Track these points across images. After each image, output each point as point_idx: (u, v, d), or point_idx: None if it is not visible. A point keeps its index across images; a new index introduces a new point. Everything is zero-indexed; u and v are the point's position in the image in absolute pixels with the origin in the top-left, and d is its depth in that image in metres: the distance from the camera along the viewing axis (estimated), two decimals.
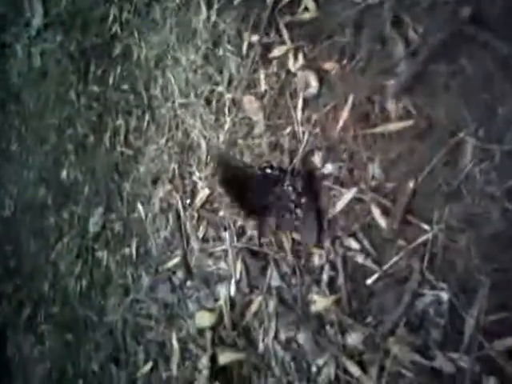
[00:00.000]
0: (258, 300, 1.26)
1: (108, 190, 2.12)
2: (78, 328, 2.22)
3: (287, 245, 1.20)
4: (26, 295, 2.85)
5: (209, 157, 1.49)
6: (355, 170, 1.06)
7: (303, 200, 1.13)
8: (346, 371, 1.04)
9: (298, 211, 1.13)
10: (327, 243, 1.11)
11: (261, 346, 1.24)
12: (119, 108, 2.10)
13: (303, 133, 1.18)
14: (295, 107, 1.20)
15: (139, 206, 1.82)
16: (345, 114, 1.09)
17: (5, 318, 3.10)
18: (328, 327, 1.09)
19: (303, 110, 1.19)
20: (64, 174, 2.57)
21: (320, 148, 1.14)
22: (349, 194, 1.06)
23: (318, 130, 1.15)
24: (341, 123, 1.09)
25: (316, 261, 1.13)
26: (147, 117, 1.86)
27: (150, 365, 1.63)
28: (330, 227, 1.11)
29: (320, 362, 1.09)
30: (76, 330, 2.23)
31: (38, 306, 2.67)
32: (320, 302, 1.11)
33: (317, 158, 1.15)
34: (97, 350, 2.04)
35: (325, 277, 1.11)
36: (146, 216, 1.77)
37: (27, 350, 2.73)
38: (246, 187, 1.23)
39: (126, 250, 1.89)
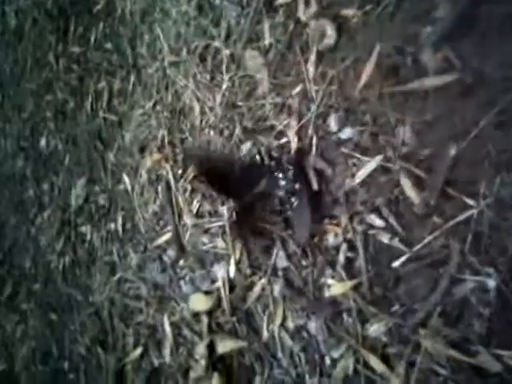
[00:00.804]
0: (261, 283, 1.10)
1: (90, 159, 1.91)
2: (62, 307, 2.04)
3: None
4: (7, 271, 2.65)
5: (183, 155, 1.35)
6: (380, 134, 0.88)
7: (296, 187, 0.99)
8: (366, 365, 0.88)
9: (292, 200, 0.99)
10: (344, 219, 0.93)
11: (265, 334, 1.08)
12: (102, 69, 1.88)
13: (316, 92, 0.99)
14: (307, 62, 1.01)
15: (125, 178, 1.62)
16: (368, 69, 0.90)
17: None
18: (345, 315, 0.93)
19: (316, 65, 1.00)
20: (43, 142, 2.34)
21: (337, 109, 0.96)
22: (372, 163, 0.89)
23: (334, 88, 0.96)
24: (363, 80, 0.91)
25: (330, 240, 0.96)
26: (132, 78, 1.65)
27: (139, 350, 1.47)
28: (347, 201, 0.93)
29: (335, 354, 0.94)
30: (60, 310, 2.06)
31: (20, 283, 2.48)
32: (335, 287, 0.94)
33: (332, 121, 0.97)
34: (82, 332, 1.88)
35: (341, 258, 0.94)
36: (133, 188, 1.58)
37: (10, 329, 2.55)
38: (228, 181, 1.11)
39: (112, 225, 1.70)
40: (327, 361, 0.97)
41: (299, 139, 1.03)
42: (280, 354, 1.06)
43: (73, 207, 1.99)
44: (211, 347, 1.20)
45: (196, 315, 1.29)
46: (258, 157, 1.09)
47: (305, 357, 1.01)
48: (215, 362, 1.20)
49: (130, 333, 1.56)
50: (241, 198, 1.12)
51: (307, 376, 1.00)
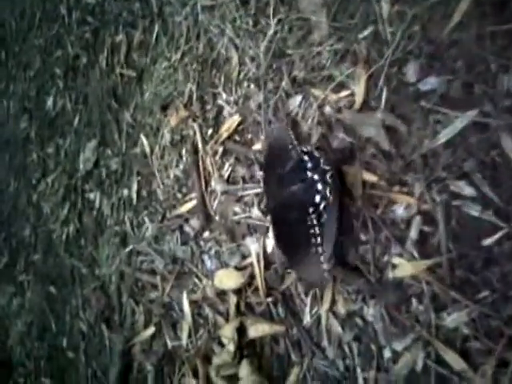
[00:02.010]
0: None
1: (103, 120, 1.75)
2: (64, 280, 1.89)
3: (356, 188, 0.86)
4: (4, 240, 2.49)
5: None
6: (476, 84, 0.71)
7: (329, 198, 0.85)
8: (440, 361, 0.72)
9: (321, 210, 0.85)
10: (420, 187, 0.77)
11: (307, 319, 0.93)
12: (120, 21, 1.70)
13: (392, 34, 0.82)
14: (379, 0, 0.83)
15: (143, 139, 1.45)
16: (464, 5, 0.73)
17: None
18: (414, 301, 0.77)
19: (392, 2, 0.82)
20: (50, 102, 2.17)
21: (418, 55, 0.79)
22: (463, 119, 0.72)
23: (415, 29, 0.79)
24: (456, 18, 0.73)
25: (399, 211, 0.81)
26: (156, 28, 1.48)
27: (151, 330, 1.32)
28: (426, 165, 0.77)
29: (398, 346, 0.79)
30: (61, 282, 1.91)
31: (18, 252, 2.33)
32: (403, 267, 0.79)
33: (410, 70, 0.80)
34: (85, 307, 1.73)
35: (413, 233, 0.78)
36: (152, 151, 1.41)
37: (5, 301, 2.40)
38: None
39: (124, 192, 1.54)
40: (387, 353, 0.82)
41: (366, 91, 0.86)
42: (325, 343, 0.91)
43: (80, 172, 1.83)
44: (240, 331, 1.03)
45: (222, 294, 1.13)
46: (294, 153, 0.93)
47: (357, 347, 0.86)
48: (243, 347, 1.04)
49: (140, 311, 1.41)
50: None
51: (359, 369, 0.85)
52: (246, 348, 1.05)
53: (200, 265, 1.22)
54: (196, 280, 1.22)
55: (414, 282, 0.80)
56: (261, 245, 1.05)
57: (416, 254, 0.80)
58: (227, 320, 1.11)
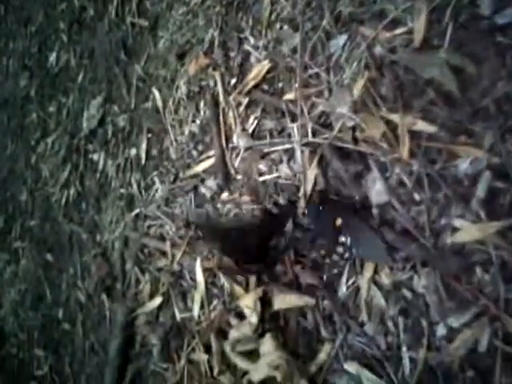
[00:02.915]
0: (339, 221, 0.80)
1: (110, 75, 1.61)
2: (61, 247, 1.77)
3: (404, 140, 0.73)
4: None
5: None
6: None
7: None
8: (509, 340, 0.60)
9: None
10: (490, 138, 0.65)
11: (342, 291, 0.81)
12: None
13: None
14: None
15: (155, 92, 1.32)
16: None
17: None
18: (479, 270, 0.65)
19: None
20: (52, 58, 2.03)
21: None
22: None
23: None
24: None
25: (464, 165, 0.68)
26: None
27: (158, 300, 1.20)
28: (499, 112, 0.64)
29: (455, 322, 0.67)
30: (58, 249, 1.79)
31: (14, 218, 2.20)
32: (466, 231, 0.67)
33: (486, 0, 0.66)
34: (84, 276, 1.61)
35: (481, 191, 0.66)
36: (165, 105, 1.28)
37: None
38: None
39: (132, 152, 1.41)
40: (441, 330, 0.70)
41: (427, 28, 0.72)
42: (364, 317, 0.79)
43: (83, 131, 1.70)
44: (263, 302, 0.91)
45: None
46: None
47: (404, 323, 0.74)
48: (266, 321, 0.92)
49: (146, 279, 1.30)
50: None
51: (404, 348, 0.73)
52: (269, 321, 0.93)
53: None
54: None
55: (479, 247, 0.68)
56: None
57: (483, 215, 0.68)
58: (246, 290, 0.99)
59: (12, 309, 2.15)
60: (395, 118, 0.79)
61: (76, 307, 1.65)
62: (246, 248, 0.99)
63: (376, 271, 0.79)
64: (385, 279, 0.78)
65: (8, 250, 2.26)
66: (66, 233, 1.77)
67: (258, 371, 0.88)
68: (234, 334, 0.97)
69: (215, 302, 1.09)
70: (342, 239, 0.83)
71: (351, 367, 0.81)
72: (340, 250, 0.84)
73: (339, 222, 0.83)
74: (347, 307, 0.84)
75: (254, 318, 0.90)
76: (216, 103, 1.12)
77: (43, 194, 1.99)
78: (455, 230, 0.71)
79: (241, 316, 1.00)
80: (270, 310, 0.93)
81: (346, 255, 0.83)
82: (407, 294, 0.76)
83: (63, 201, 1.81)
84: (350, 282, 0.83)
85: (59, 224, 1.83)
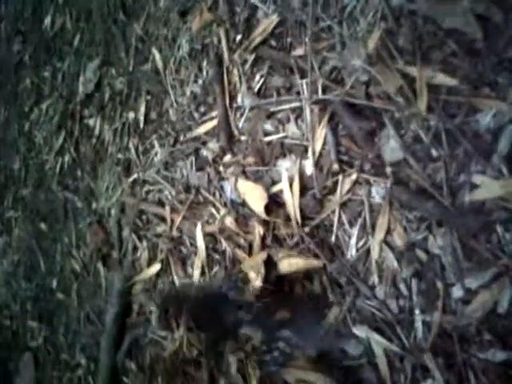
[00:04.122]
0: (350, 180, 0.77)
1: (108, 37, 1.55)
2: (55, 216, 1.73)
3: (422, 94, 0.69)
4: None
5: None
6: None
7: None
8: None
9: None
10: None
11: (352, 253, 0.78)
12: None
13: None
14: None
15: (155, 53, 1.27)
16: None
17: None
18: (499, 228, 0.62)
19: None
20: (47, 21, 1.96)
21: None
22: None
23: None
24: None
25: (485, 119, 0.65)
26: None
27: (156, 267, 1.17)
28: None
29: (473, 283, 0.65)
30: (52, 218, 1.74)
31: (6, 188, 2.15)
32: (487, 187, 0.64)
33: None
34: (79, 245, 1.57)
35: (503, 145, 0.63)
36: (165, 66, 1.23)
37: None
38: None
39: (130, 116, 1.36)
40: (457, 292, 0.68)
41: None
42: (374, 280, 0.76)
43: (79, 96, 1.65)
44: (266, 266, 0.88)
45: (243, 224, 0.97)
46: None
47: (417, 285, 0.71)
48: (270, 284, 0.89)
49: (143, 246, 1.26)
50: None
51: (417, 311, 0.70)
52: (273, 286, 0.90)
53: (218, 193, 1.06)
54: (213, 210, 1.06)
55: (501, 204, 0.64)
56: (297, 167, 0.88)
57: (505, 171, 0.64)
58: (250, 255, 0.95)
59: (4, 280, 2.12)
60: (413, 71, 0.75)
61: (71, 277, 1.61)
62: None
63: (388, 232, 0.76)
64: (397, 240, 0.75)
65: (0, 220, 2.20)
66: (60, 201, 1.73)
67: None
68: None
69: (216, 267, 1.05)
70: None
71: (360, 331, 0.78)
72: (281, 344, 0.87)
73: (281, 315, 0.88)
74: (356, 270, 0.80)
75: (258, 282, 0.86)
76: (220, 61, 1.07)
77: (37, 161, 1.93)
78: (474, 186, 0.67)
79: (243, 281, 0.96)
80: (274, 274, 0.89)
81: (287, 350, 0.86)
82: (421, 255, 0.72)
83: (57, 168, 1.76)
84: (360, 244, 0.80)
85: (53, 192, 1.78)
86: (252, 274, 0.88)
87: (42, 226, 1.85)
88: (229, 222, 1.03)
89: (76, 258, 1.59)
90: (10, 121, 2.25)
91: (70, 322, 1.62)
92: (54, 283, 1.73)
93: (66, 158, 1.71)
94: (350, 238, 0.81)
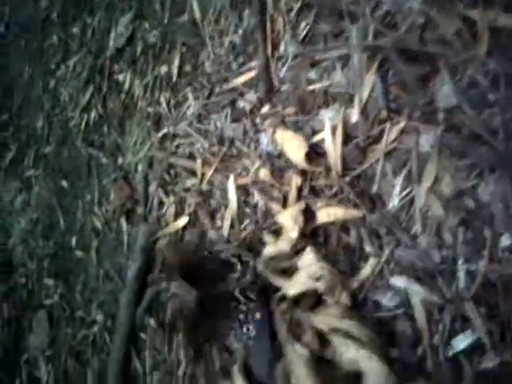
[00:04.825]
0: (397, 128, 0.77)
1: None
2: (78, 173, 1.75)
3: (482, 38, 0.68)
4: (12, 134, 2.33)
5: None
6: None
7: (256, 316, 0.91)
8: None
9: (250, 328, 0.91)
10: None
11: (394, 202, 0.78)
12: None
13: None
14: None
15: (193, 3, 1.26)
16: None
17: None
18: None
19: None
20: None
21: None
22: None
23: None
24: None
25: None
26: None
27: (184, 220, 1.17)
28: None
29: None
30: (75, 176, 1.77)
31: (27, 146, 2.19)
32: None
33: None
34: (101, 202, 1.59)
35: None
36: (204, 16, 1.22)
37: (9, 198, 2.27)
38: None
39: (163, 69, 1.37)
40: (505, 241, 0.68)
41: None
42: (417, 230, 0.76)
43: (110, 51, 1.66)
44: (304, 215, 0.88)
45: (279, 177, 0.97)
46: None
47: (463, 234, 0.70)
48: (304, 237, 0.89)
49: (170, 201, 1.27)
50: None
51: (461, 260, 0.70)
52: (308, 238, 0.90)
53: (253, 145, 1.06)
54: (247, 162, 1.07)
55: None
56: (341, 116, 0.88)
57: None
58: (284, 206, 0.96)
59: (21, 238, 2.15)
60: (474, 13, 0.73)
61: (91, 234, 1.64)
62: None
63: (436, 180, 0.75)
64: (445, 189, 0.75)
65: (20, 178, 2.24)
66: (84, 158, 1.75)
67: (295, 285, 0.86)
68: (269, 250, 0.94)
69: (247, 221, 1.06)
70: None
71: (398, 282, 0.78)
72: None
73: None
74: (398, 220, 0.80)
75: (294, 233, 0.87)
76: (263, 10, 1.06)
77: (61, 119, 1.96)
78: None
79: (277, 233, 0.97)
80: (309, 225, 0.89)
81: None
82: (470, 203, 0.72)
83: (83, 125, 1.78)
84: (404, 194, 0.80)
85: (77, 149, 1.80)
86: (288, 225, 0.88)
87: (64, 183, 1.87)
88: (263, 174, 1.03)
89: (98, 215, 1.61)
90: (34, 78, 2.27)
91: (87, 280, 1.65)
92: (74, 241, 1.75)
93: (93, 114, 1.72)
94: (393, 187, 0.81)
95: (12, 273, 2.19)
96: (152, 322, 1.29)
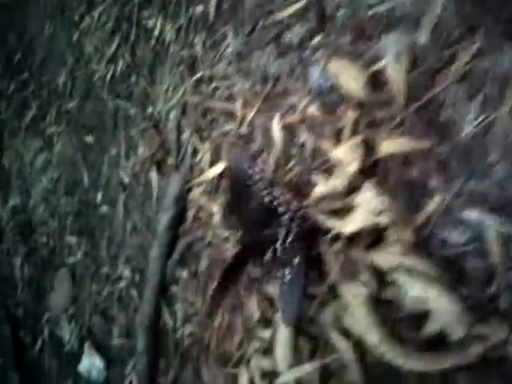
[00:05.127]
0: (472, 49, 0.70)
1: None
2: (104, 127, 1.69)
3: None
4: (32, 92, 2.28)
5: None
6: None
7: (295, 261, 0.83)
8: None
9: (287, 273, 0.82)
10: None
11: (467, 130, 0.70)
12: None
13: None
14: None
15: None
16: None
17: (1, 123, 2.55)
18: None
19: None
20: None
21: None
22: None
23: None
24: None
25: None
26: None
27: (221, 166, 1.11)
28: None
29: None
30: (100, 130, 1.71)
31: (48, 104, 2.12)
32: None
33: None
34: (129, 154, 1.53)
35: None
36: None
37: (30, 157, 2.23)
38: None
39: (197, 9, 1.30)
40: None
41: None
42: (494, 158, 0.68)
43: None
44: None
45: (331, 112, 0.90)
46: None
47: None
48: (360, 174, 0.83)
49: (205, 148, 1.20)
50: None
51: None
52: (364, 174, 0.83)
53: (302, 80, 0.99)
54: (294, 100, 1.00)
55: None
56: (406, 40, 0.80)
57: None
58: (337, 142, 0.89)
59: (42, 198, 2.11)
60: None
61: (118, 188, 1.59)
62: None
63: None
64: None
65: (41, 136, 2.20)
66: (109, 111, 1.69)
67: (353, 222, 0.80)
68: (320, 189, 0.88)
69: (292, 162, 0.99)
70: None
71: (470, 215, 0.71)
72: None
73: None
74: (471, 149, 0.73)
75: (352, 167, 0.80)
76: None
77: (85, 72, 1.90)
78: None
79: (328, 172, 0.90)
80: (367, 160, 0.83)
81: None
82: None
83: (108, 76, 1.72)
84: (479, 120, 0.72)
85: (102, 102, 1.75)
86: (346, 159, 0.82)
87: (88, 138, 1.82)
88: (313, 110, 0.97)
89: (125, 168, 1.56)
90: (56, 33, 2.21)
91: (113, 235, 1.60)
92: (99, 197, 1.71)
93: (120, 64, 1.66)
94: (466, 114, 0.74)
95: (32, 233, 2.16)
96: (184, 273, 1.24)
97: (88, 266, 1.73)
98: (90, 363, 1.60)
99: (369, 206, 0.78)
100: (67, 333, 1.83)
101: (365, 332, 0.75)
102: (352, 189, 0.85)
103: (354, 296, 0.77)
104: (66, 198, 1.95)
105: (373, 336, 0.73)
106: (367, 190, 0.80)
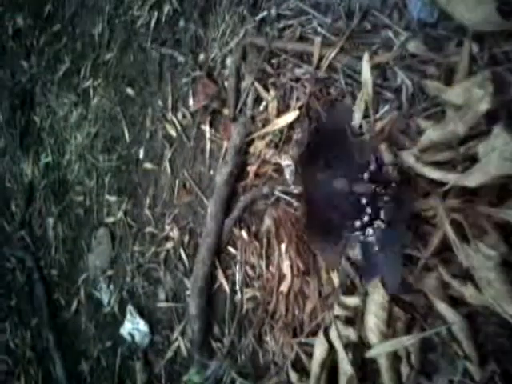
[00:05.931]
0: None
1: None
2: (146, 78, 1.56)
3: None
4: (65, 45, 2.13)
5: None
6: None
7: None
8: None
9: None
10: None
11: None
12: None
13: None
14: None
15: None
16: None
17: (32, 78, 2.41)
18: None
19: None
20: None
21: None
22: None
23: None
24: None
25: None
26: None
27: (292, 115, 0.99)
28: None
29: None
30: (142, 82, 1.58)
31: (82, 57, 1.98)
32: None
33: None
34: (177, 106, 1.40)
35: None
36: None
37: (63, 113, 2.10)
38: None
39: None
40: None
41: None
42: None
43: None
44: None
45: (437, 49, 0.75)
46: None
47: None
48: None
49: (271, 96, 1.06)
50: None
51: None
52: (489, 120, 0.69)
53: (397, 14, 0.83)
54: (388, 35, 0.84)
55: None
56: None
57: None
58: (448, 84, 0.73)
59: (78, 155, 1.99)
60: None
61: (163, 143, 1.46)
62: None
63: None
64: None
65: (75, 91, 2.06)
66: (154, 60, 1.55)
67: (480, 173, 0.65)
68: (429, 137, 0.73)
69: (385, 107, 0.84)
70: None
71: None
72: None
73: None
74: None
75: (485, 105, 0.64)
76: None
77: (125, 20, 1.74)
78: None
79: (434, 118, 0.76)
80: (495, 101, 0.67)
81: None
82: None
83: (152, 24, 1.57)
84: None
85: (145, 52, 1.60)
86: (475, 96, 0.67)
87: (129, 91, 1.68)
88: (413, 46, 0.81)
89: (172, 122, 1.42)
90: None
91: (158, 194, 1.48)
92: (141, 153, 1.58)
93: (166, 9, 1.50)
94: None
95: (67, 192, 2.05)
96: (244, 233, 1.11)
97: (130, 226, 1.62)
98: (133, 327, 1.51)
99: (503, 153, 0.63)
100: (106, 295, 1.73)
101: (500, 300, 0.61)
102: (473, 136, 0.70)
103: (481, 260, 0.64)
104: (104, 154, 1.83)
105: (509, 306, 0.60)
106: (498, 134, 0.65)
